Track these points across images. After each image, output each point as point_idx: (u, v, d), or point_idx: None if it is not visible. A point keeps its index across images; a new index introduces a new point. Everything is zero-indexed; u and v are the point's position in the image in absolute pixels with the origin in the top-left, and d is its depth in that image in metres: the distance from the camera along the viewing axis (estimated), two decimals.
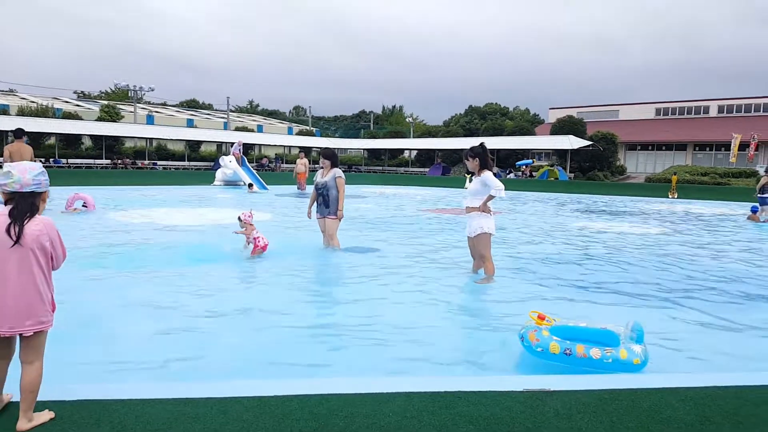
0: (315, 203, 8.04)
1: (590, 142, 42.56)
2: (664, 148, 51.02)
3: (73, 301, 4.80)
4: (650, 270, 7.41)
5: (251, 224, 7.51)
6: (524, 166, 44.61)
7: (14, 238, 2.55)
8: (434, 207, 17.03)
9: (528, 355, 3.88)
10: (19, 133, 11.42)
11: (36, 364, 2.66)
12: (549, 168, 43.18)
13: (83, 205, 12.59)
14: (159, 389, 3.09)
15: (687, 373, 3.69)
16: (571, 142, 42.13)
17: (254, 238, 7.43)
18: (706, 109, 54.58)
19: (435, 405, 2.93)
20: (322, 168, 8.06)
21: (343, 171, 8.00)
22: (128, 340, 4.06)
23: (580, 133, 45.15)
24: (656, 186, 32.91)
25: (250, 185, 22.28)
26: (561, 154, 46.31)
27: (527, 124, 60.03)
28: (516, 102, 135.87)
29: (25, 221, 2.58)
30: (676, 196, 25.69)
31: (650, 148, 51.80)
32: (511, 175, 45.40)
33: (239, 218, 7.57)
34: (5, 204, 2.66)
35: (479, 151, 6.29)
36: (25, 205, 2.60)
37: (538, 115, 79.09)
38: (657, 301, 5.70)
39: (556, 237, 10.58)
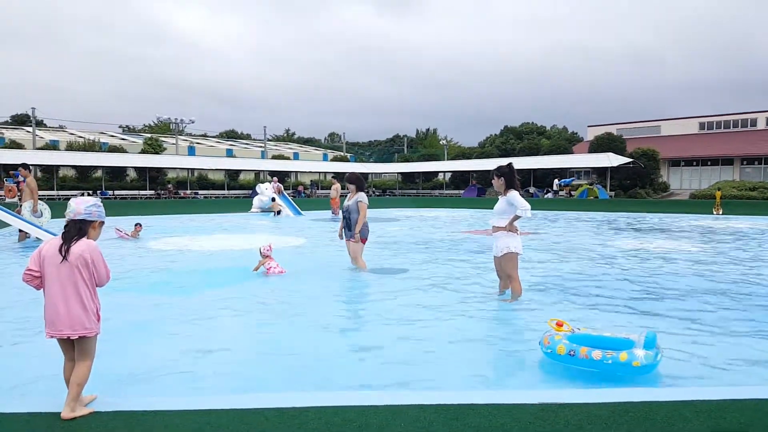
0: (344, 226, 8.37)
1: (630, 159, 41.74)
2: (709, 163, 49.49)
3: (109, 319, 5.08)
4: (685, 286, 7.26)
5: (269, 256, 8.07)
6: (564, 185, 44.02)
7: (62, 255, 3.04)
8: (468, 228, 17.04)
9: (546, 371, 3.92)
10: (26, 166, 12.75)
11: (85, 363, 3.12)
12: (588, 187, 42.50)
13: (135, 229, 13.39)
14: (186, 402, 3.28)
15: (703, 387, 3.65)
16: (610, 160, 41.42)
17: (267, 268, 7.96)
18: (754, 122, 52.78)
19: (446, 416, 3.02)
20: (349, 193, 8.37)
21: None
22: (157, 357, 4.27)
23: (619, 150, 44.35)
24: (700, 203, 31.94)
25: (278, 212, 23.41)
26: (600, 173, 45.54)
27: (565, 142, 59.36)
28: (553, 121, 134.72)
29: (72, 242, 3.08)
30: (721, 213, 24.90)
31: (695, 163, 50.33)
32: (549, 195, 44.88)
33: (260, 250, 8.11)
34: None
35: (505, 171, 6.34)
36: (73, 229, 3.13)
37: (576, 133, 78.13)
38: (685, 316, 5.60)
39: (590, 256, 10.46)
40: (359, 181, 8.33)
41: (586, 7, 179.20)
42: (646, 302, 6.33)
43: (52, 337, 3.10)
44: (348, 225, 8.20)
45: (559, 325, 4.10)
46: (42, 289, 3.14)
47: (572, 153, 51.03)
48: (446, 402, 3.20)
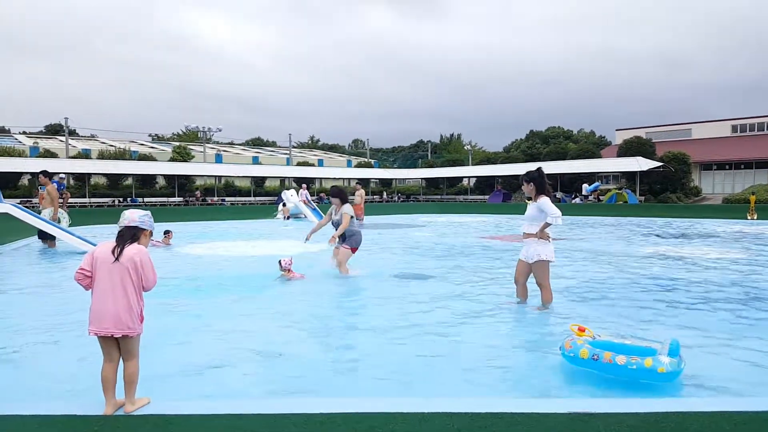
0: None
1: (660, 164, 40.93)
2: (742, 166, 48.14)
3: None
4: (718, 292, 7.07)
5: (290, 270, 8.25)
6: (594, 191, 43.42)
7: (115, 256, 3.25)
8: (493, 234, 16.90)
9: (574, 380, 3.85)
10: (46, 174, 13.11)
11: (132, 361, 3.31)
12: (617, 191, 41.81)
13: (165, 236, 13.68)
14: (216, 406, 3.32)
15: (741, 397, 3.53)
16: (639, 164, 40.68)
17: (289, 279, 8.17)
18: None
19: (474, 425, 2.98)
20: (334, 206, 8.68)
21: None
22: (186, 360, 4.32)
23: (649, 154, 43.55)
24: (734, 207, 31.08)
25: (288, 217, 24.84)
26: (629, 177, 44.76)
27: (592, 146, 58.54)
28: (580, 125, 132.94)
29: (126, 245, 3.31)
30: (755, 217, 24.22)
31: (727, 167, 49.04)
32: (577, 200, 44.28)
33: (280, 263, 8.25)
34: None
35: (535, 176, 6.22)
36: (127, 233, 3.38)
37: (604, 137, 77.00)
38: (712, 324, 5.44)
39: (618, 262, 10.27)
40: (342, 194, 8.63)
41: (613, 8, 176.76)
42: (676, 309, 6.18)
43: (96, 334, 3.24)
44: (341, 236, 8.53)
45: (581, 330, 4.07)
46: (90, 290, 3.32)
47: (600, 157, 50.23)
48: (474, 410, 3.16)
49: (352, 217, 8.41)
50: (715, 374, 3.94)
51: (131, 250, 3.30)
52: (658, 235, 16.05)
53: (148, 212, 3.52)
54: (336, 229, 8.49)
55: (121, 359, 3.33)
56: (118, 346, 3.30)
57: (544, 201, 6.07)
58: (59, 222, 12.79)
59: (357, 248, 8.63)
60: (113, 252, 3.27)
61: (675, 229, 18.33)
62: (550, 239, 6.19)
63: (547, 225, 6.04)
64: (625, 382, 3.71)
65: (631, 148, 45.04)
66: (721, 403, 3.29)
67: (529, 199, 6.30)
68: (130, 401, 3.27)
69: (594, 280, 8.11)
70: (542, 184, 6.19)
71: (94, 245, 9.47)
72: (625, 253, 11.53)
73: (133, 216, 3.42)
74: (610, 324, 5.49)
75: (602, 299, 6.77)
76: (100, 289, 3.25)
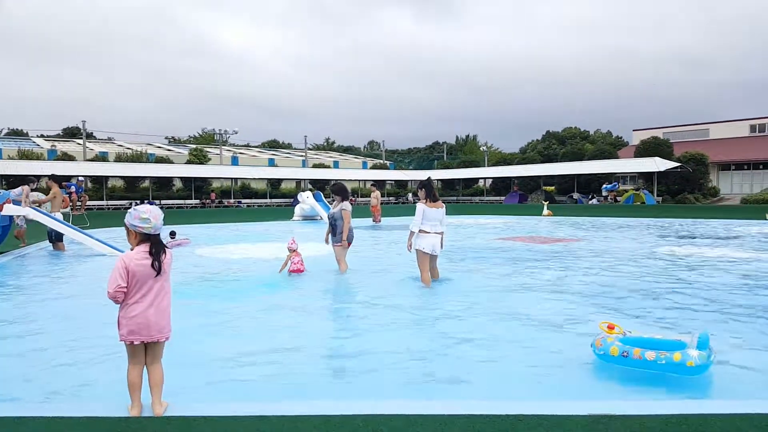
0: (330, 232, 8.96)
1: (678, 164, 40.47)
2: (761, 167, 47.40)
3: None
4: (737, 293, 6.98)
5: (294, 250, 8.58)
6: (609, 191, 43.08)
7: (157, 270, 3.25)
8: (509, 235, 16.82)
9: (594, 380, 3.85)
10: (56, 178, 13.55)
11: (159, 364, 3.38)
12: (634, 192, 41.43)
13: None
14: (238, 408, 3.35)
15: (761, 399, 3.49)
16: (657, 165, 40.29)
17: (292, 262, 8.55)
18: None
19: (495, 427, 2.99)
20: (335, 201, 8.89)
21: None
22: (205, 362, 4.37)
23: (666, 154, 43.11)
24: (753, 208, 30.63)
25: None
26: (647, 177, 44.33)
27: (609, 147, 57.96)
28: (597, 125, 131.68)
29: (162, 257, 3.28)
30: None
31: (746, 167, 48.33)
32: (594, 201, 43.95)
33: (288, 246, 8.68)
34: (138, 243, 3.28)
35: (425, 183, 7.59)
36: (159, 244, 3.31)
37: (621, 138, 76.20)
38: (735, 325, 5.38)
39: (637, 263, 10.17)
40: (343, 192, 8.82)
41: (630, 8, 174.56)
42: (696, 310, 6.11)
43: (141, 341, 3.24)
44: (333, 231, 8.76)
45: (611, 327, 4.12)
46: (120, 303, 3.24)
47: (617, 158, 49.79)
48: (496, 412, 3.17)
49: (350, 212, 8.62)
50: (738, 376, 3.91)
51: (166, 258, 3.34)
52: (675, 236, 15.85)
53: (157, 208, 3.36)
54: (333, 223, 8.69)
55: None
56: (144, 351, 3.33)
57: (417, 206, 7.44)
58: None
59: (351, 243, 8.92)
60: (153, 266, 3.23)
61: (693, 230, 18.09)
62: (411, 246, 7.54)
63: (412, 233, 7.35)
64: (651, 379, 3.73)
65: (648, 149, 44.65)
66: (741, 405, 3.26)
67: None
68: (159, 403, 3.31)
69: (613, 281, 8.03)
70: (429, 191, 7.47)
71: (121, 251, 9.62)
72: (641, 254, 11.41)
73: (158, 223, 3.26)
74: (633, 322, 5.44)
75: (624, 299, 6.71)
76: (144, 301, 3.23)
